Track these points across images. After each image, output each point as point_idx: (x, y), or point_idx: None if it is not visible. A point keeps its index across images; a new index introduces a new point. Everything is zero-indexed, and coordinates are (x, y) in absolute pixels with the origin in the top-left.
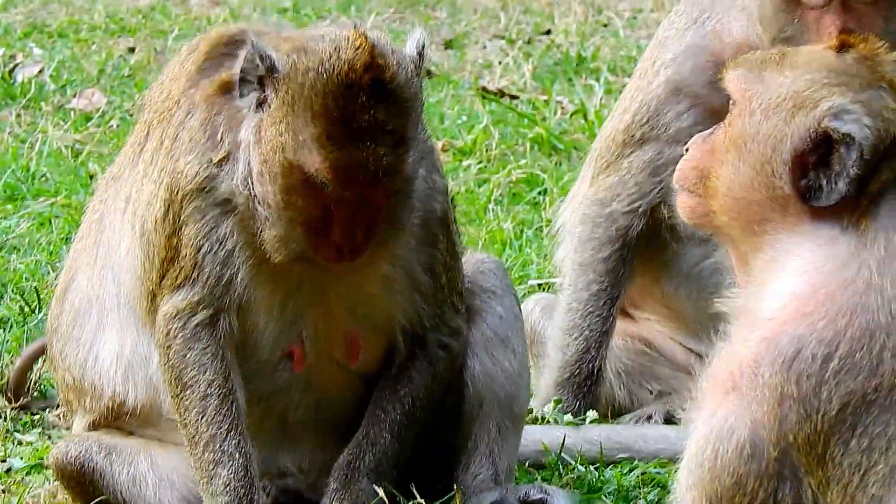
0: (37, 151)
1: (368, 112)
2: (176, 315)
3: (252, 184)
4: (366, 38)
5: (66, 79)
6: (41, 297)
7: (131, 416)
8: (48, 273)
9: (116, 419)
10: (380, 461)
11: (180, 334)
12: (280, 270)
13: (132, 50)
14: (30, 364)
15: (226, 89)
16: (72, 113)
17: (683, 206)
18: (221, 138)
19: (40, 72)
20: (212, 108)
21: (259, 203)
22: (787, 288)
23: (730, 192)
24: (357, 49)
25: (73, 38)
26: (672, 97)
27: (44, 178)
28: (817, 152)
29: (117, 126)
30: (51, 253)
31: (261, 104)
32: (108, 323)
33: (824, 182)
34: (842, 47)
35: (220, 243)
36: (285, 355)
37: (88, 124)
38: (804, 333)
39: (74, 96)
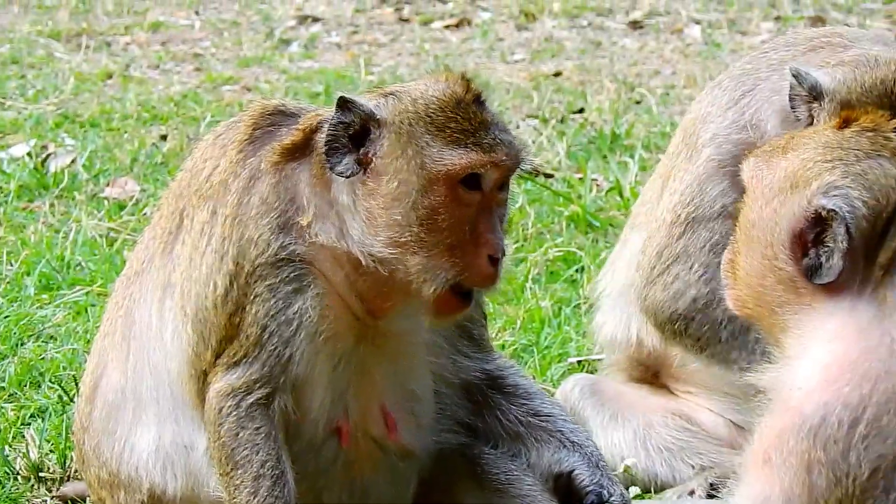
0: (71, 241)
1: (481, 113)
2: (230, 393)
3: (364, 241)
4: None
5: (98, 168)
6: (79, 385)
7: None
8: (85, 362)
9: None
10: None
11: (234, 413)
12: (334, 343)
13: (164, 137)
14: None
15: (294, 154)
16: (105, 202)
17: (728, 298)
18: (306, 201)
19: (73, 161)
20: (282, 173)
21: (380, 257)
22: (813, 358)
23: (747, 279)
24: (447, 79)
25: (104, 128)
26: (715, 174)
27: (79, 267)
28: (815, 230)
29: (151, 213)
30: (87, 341)
31: (361, 161)
32: (145, 415)
33: (823, 259)
34: (845, 124)
35: (288, 323)
36: (332, 431)
37: (122, 212)
38: (829, 400)
39: (107, 185)
